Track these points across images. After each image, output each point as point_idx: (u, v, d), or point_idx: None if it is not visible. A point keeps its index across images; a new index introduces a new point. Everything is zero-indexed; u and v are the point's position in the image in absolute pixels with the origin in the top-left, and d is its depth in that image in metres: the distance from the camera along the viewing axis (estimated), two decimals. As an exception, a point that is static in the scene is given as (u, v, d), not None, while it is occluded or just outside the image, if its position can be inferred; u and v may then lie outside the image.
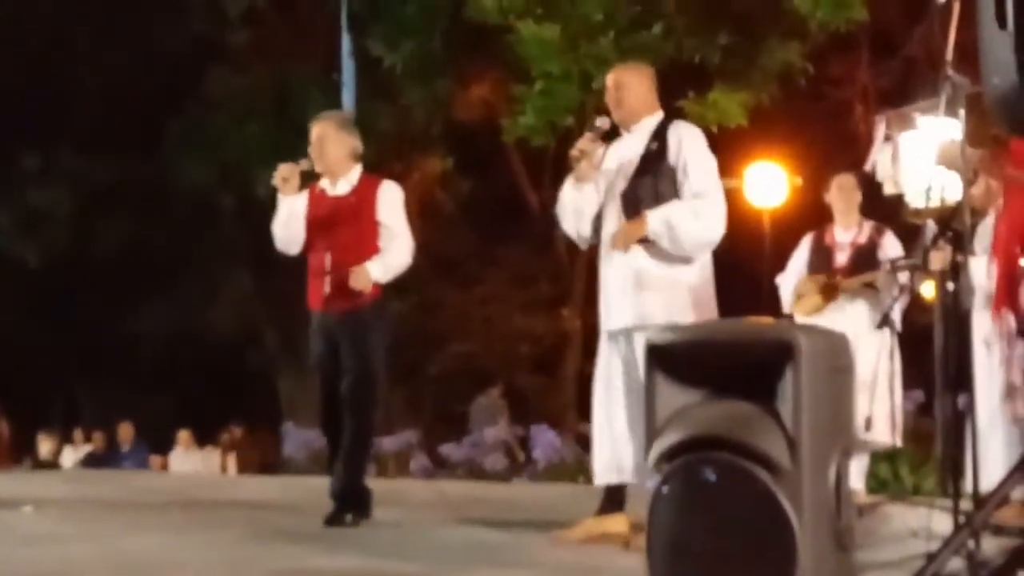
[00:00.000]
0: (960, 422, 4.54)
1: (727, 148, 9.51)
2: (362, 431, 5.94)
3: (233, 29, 16.52)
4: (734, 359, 3.43)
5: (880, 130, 4.84)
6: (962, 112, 3.81)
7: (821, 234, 6.82)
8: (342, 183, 6.09)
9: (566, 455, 10.77)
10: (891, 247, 6.56)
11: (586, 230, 5.35)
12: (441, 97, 15.00)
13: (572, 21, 12.38)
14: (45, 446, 15.44)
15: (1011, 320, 5.01)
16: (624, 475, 5.07)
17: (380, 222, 6.01)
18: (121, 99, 17.11)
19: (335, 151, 6.06)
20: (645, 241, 5.09)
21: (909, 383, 7.16)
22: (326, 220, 6.01)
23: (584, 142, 5.26)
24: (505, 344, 17.65)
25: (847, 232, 6.71)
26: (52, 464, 15.10)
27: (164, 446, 15.57)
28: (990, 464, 5.07)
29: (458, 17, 13.17)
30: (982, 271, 5.32)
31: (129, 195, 17.62)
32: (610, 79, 5.38)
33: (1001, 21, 3.27)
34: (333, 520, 5.85)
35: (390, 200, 6.06)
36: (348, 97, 13.22)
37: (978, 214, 5.79)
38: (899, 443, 6.44)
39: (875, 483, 7.75)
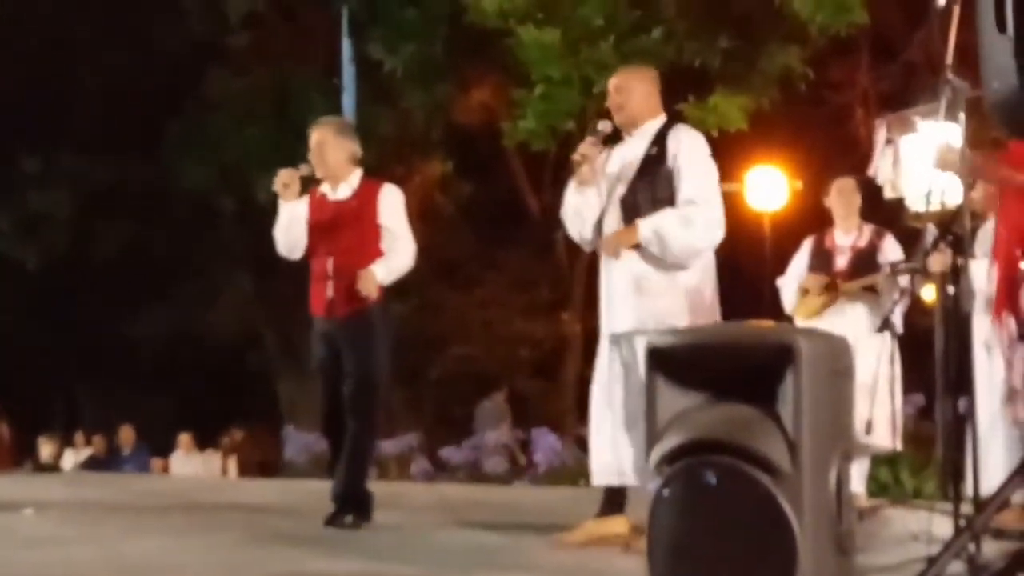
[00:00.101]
0: (960, 426, 4.54)
1: (727, 152, 9.53)
2: (365, 435, 5.94)
3: (234, 32, 16.52)
4: (735, 362, 3.44)
5: (881, 134, 4.84)
6: (962, 116, 3.81)
7: (821, 238, 6.81)
8: (343, 187, 6.09)
9: (567, 458, 10.76)
10: (891, 251, 6.55)
11: (588, 234, 5.34)
12: (441, 101, 15.02)
13: (572, 25, 12.38)
14: (46, 449, 15.40)
15: (1012, 324, 5.02)
16: (624, 478, 5.07)
17: (382, 225, 6.01)
18: (121, 101, 17.07)
19: (335, 156, 6.06)
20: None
21: (910, 387, 7.16)
22: (328, 225, 6.01)
23: (586, 146, 5.25)
24: (505, 348, 17.62)
25: (847, 236, 6.70)
26: (53, 467, 15.04)
27: (164, 448, 15.55)
28: (990, 468, 5.06)
29: (458, 21, 13.16)
30: (982, 275, 5.33)
31: (129, 197, 17.57)
32: (613, 82, 5.37)
33: (1001, 25, 3.28)
34: (333, 520, 5.85)
35: (391, 203, 6.06)
36: (348, 101, 13.18)
37: (978, 218, 5.80)
38: (900, 447, 6.42)
39: (876, 487, 7.74)
